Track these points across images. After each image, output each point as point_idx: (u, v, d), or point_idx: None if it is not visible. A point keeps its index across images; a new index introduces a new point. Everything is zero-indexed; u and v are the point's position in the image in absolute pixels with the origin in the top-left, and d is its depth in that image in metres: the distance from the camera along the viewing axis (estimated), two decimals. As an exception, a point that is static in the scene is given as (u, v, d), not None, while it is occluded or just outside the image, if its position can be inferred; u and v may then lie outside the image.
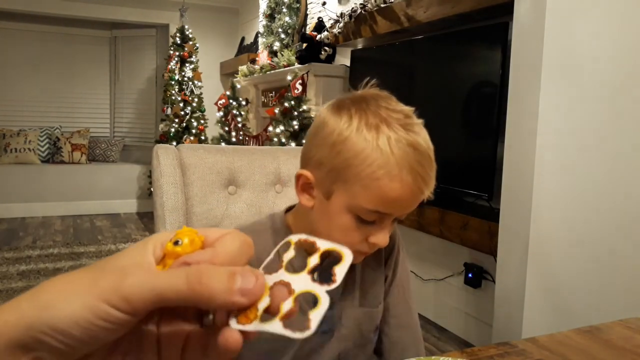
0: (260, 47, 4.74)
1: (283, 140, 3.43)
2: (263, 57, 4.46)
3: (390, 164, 0.63)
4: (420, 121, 0.68)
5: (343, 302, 0.80)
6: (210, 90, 5.45)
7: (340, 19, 3.21)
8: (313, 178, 0.70)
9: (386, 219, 0.68)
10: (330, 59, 3.50)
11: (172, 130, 4.89)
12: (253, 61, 4.67)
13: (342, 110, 0.68)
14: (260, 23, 4.79)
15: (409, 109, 0.68)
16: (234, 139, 4.56)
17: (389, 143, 0.63)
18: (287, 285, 0.29)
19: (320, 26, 3.54)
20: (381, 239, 0.68)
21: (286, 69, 3.76)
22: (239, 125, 4.53)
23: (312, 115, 3.38)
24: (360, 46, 3.28)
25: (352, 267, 0.80)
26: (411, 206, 0.67)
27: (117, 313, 0.25)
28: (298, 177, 0.72)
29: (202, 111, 5.05)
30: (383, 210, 0.66)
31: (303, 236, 0.32)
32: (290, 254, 0.32)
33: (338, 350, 0.80)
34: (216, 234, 0.30)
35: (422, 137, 0.66)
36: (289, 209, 0.81)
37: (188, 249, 0.29)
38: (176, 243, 0.29)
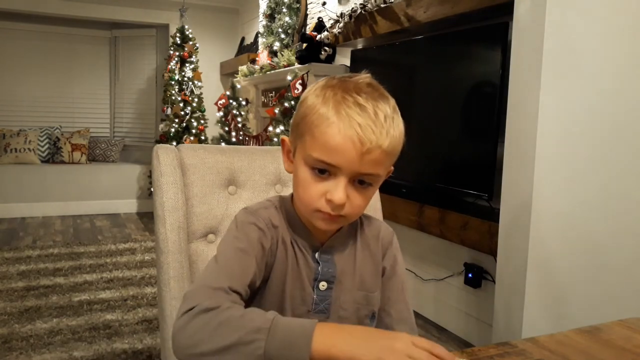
0: (260, 47, 4.74)
1: (283, 140, 3.43)
2: (263, 57, 4.46)
3: (330, 113, 0.70)
4: (378, 86, 0.74)
5: (342, 284, 0.82)
6: (210, 90, 5.45)
7: (340, 19, 3.21)
8: (288, 141, 0.79)
9: (338, 173, 0.71)
10: (330, 59, 3.50)
11: (172, 130, 4.89)
12: (253, 61, 4.67)
13: (318, 82, 0.77)
14: (260, 23, 4.79)
15: (374, 81, 0.75)
16: (234, 139, 4.56)
17: (335, 98, 0.70)
18: None
19: (320, 26, 3.54)
20: (336, 195, 0.71)
21: (286, 69, 3.76)
22: (239, 125, 4.53)
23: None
24: (360, 46, 3.28)
25: (352, 253, 0.84)
26: (356, 160, 0.69)
27: None
28: (282, 143, 0.80)
29: (202, 111, 5.04)
30: (327, 160, 0.70)
31: None
32: None
33: None
34: None
35: (378, 100, 0.71)
36: None
37: None
38: None
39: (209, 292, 0.65)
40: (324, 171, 0.72)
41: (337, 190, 0.71)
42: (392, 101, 0.74)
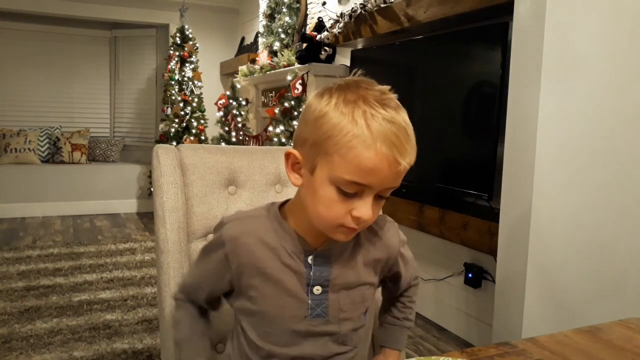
0: (260, 47, 4.74)
1: (283, 140, 3.43)
2: (263, 57, 4.46)
3: (365, 134, 0.67)
4: (394, 96, 0.72)
5: (341, 285, 0.81)
6: (210, 90, 5.45)
7: (340, 19, 3.21)
8: (300, 155, 0.75)
9: (367, 191, 0.70)
10: (330, 59, 3.50)
11: (172, 130, 4.89)
12: (253, 61, 4.67)
13: (324, 92, 0.74)
14: (260, 23, 4.79)
15: (385, 87, 0.73)
16: (234, 139, 4.56)
17: (364, 116, 0.68)
18: None
19: (320, 26, 3.54)
20: (364, 212, 0.71)
21: (286, 69, 3.76)
22: (239, 125, 4.53)
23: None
24: (360, 46, 3.28)
25: (353, 253, 0.82)
26: (389, 178, 0.70)
27: None
28: (287, 156, 0.77)
29: (202, 111, 5.04)
30: (361, 181, 0.69)
31: None
32: None
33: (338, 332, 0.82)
34: None
35: (399, 112, 0.71)
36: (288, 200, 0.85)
37: None
38: None
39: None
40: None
41: (365, 207, 0.71)
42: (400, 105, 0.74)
